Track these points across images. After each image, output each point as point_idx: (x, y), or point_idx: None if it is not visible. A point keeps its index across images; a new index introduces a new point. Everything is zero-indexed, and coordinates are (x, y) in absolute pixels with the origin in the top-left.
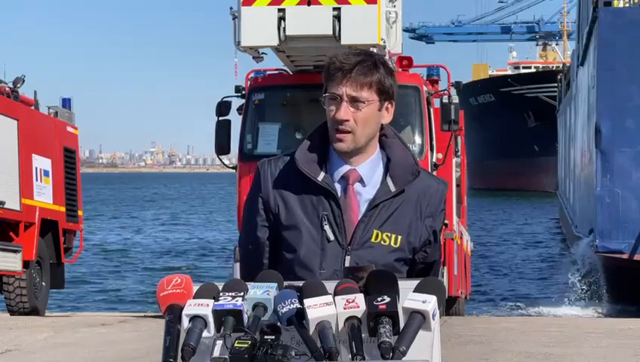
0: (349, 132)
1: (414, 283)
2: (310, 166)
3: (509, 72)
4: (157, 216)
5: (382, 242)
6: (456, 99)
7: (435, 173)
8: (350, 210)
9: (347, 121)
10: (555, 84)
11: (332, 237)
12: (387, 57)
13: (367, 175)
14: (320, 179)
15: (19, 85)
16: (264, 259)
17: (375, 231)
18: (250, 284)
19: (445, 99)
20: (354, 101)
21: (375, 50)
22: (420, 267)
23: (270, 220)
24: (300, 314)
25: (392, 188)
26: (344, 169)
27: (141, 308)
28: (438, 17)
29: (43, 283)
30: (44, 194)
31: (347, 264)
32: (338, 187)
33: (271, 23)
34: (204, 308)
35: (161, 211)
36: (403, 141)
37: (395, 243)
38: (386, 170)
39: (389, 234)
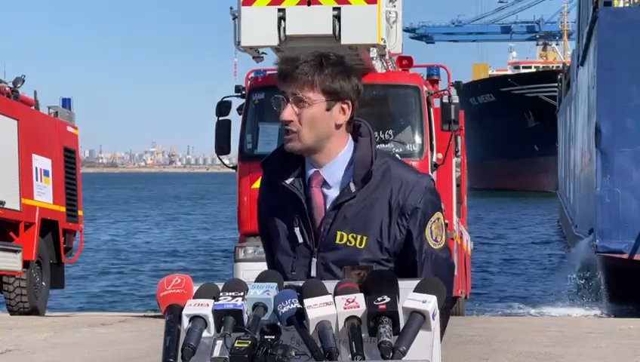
0: (295, 132)
1: (414, 283)
2: (281, 169)
3: (509, 72)
4: (157, 217)
5: (347, 243)
6: (456, 99)
7: (435, 173)
8: (316, 213)
9: (290, 121)
10: (555, 84)
11: (301, 240)
12: (387, 57)
13: (331, 176)
14: (288, 183)
15: (19, 85)
16: (269, 264)
17: (339, 233)
18: (250, 284)
19: (445, 99)
20: (298, 101)
21: (375, 50)
22: (400, 268)
23: (262, 225)
24: (300, 314)
25: (352, 189)
26: (311, 171)
27: (141, 308)
28: (438, 17)
29: (43, 283)
30: (44, 194)
31: (313, 266)
32: (308, 189)
33: (271, 23)
34: (204, 308)
35: (160, 211)
36: (372, 139)
37: (361, 244)
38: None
39: (355, 235)
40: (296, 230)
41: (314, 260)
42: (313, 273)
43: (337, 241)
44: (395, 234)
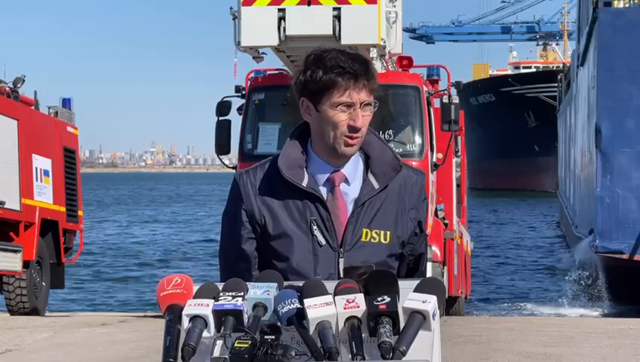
0: (360, 136)
1: (414, 283)
2: (294, 172)
3: (510, 72)
4: (155, 217)
5: (372, 240)
6: (456, 99)
7: (435, 173)
8: (338, 212)
9: (362, 127)
10: (556, 84)
11: (323, 242)
12: (387, 57)
13: (351, 174)
14: (305, 185)
15: (19, 85)
16: (253, 271)
17: (364, 230)
18: (250, 284)
19: (445, 99)
20: (365, 106)
21: (375, 50)
22: (409, 259)
23: (257, 232)
24: (300, 314)
25: (376, 185)
26: (328, 171)
27: (141, 308)
28: (438, 17)
29: (43, 283)
30: (44, 194)
31: (341, 266)
32: (323, 190)
33: (271, 23)
34: (204, 308)
35: (159, 212)
36: (379, 136)
37: (385, 239)
38: (366, 166)
39: (378, 231)
40: (316, 232)
41: (341, 261)
42: (342, 274)
43: (363, 239)
44: (408, 226)
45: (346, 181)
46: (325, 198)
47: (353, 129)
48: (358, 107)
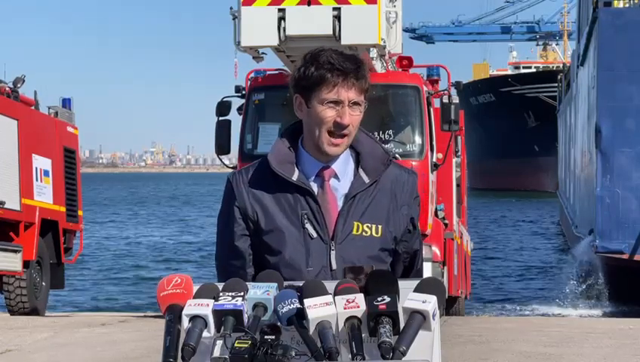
0: (345, 135)
1: (414, 283)
2: (283, 167)
3: (510, 72)
4: (155, 217)
5: (363, 233)
6: (456, 99)
7: (435, 173)
8: (328, 206)
9: (349, 125)
10: (556, 84)
11: (315, 235)
12: (387, 57)
13: (341, 170)
14: (295, 179)
15: (19, 85)
16: (248, 267)
17: (355, 223)
18: (250, 284)
19: (445, 99)
20: (354, 105)
21: (375, 50)
22: (404, 257)
23: (250, 228)
24: (300, 314)
25: (366, 180)
26: (318, 167)
27: (141, 308)
28: (438, 17)
29: (43, 283)
30: (44, 194)
31: (333, 259)
32: (313, 185)
33: (271, 23)
34: (204, 308)
35: (159, 212)
36: (369, 134)
37: (377, 232)
38: (356, 163)
39: (370, 225)
40: (307, 225)
41: (332, 253)
42: (334, 266)
43: (354, 232)
44: (400, 222)
45: (336, 177)
46: (315, 192)
47: (339, 126)
48: (347, 105)
